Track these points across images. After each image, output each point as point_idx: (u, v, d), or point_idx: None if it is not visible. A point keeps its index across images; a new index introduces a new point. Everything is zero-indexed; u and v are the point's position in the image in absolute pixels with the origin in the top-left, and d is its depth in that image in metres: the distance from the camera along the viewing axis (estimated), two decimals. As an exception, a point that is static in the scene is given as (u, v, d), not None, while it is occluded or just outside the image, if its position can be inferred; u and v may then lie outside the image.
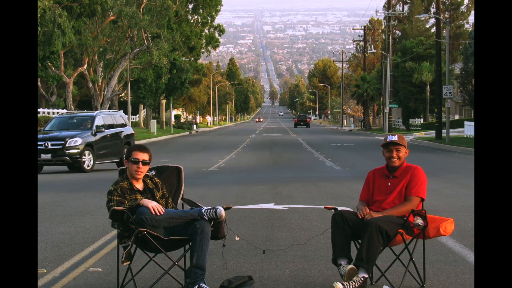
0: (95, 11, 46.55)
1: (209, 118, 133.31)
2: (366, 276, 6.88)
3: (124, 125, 27.95)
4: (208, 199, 15.23)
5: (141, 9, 52.38)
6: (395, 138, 7.37)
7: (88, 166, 25.12)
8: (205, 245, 6.82)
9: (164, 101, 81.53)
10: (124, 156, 7.35)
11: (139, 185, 7.29)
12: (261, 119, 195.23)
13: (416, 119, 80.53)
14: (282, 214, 13.00)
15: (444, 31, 55.10)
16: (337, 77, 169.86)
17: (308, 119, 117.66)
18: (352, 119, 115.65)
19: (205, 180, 20.82)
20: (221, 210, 6.98)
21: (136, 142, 36.11)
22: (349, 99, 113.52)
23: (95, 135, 25.70)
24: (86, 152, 25.08)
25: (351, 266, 6.87)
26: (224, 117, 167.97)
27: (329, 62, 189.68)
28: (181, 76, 69.84)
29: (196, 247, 6.81)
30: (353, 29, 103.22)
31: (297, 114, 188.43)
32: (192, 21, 79.25)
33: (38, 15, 39.59)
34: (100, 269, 8.28)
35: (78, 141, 24.98)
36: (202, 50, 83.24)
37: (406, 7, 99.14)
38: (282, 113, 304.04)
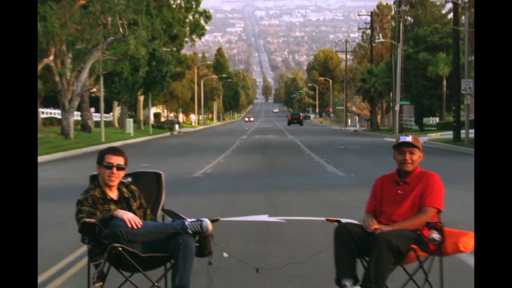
0: (63, -6, 46.51)
1: (193, 117, 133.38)
2: (375, 298, 6.87)
3: None
4: (193, 209, 15.22)
5: (115, -8, 52.32)
6: (409, 138, 7.35)
7: None
8: (189, 263, 6.80)
9: (142, 98, 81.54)
10: (96, 160, 7.32)
11: (113, 194, 7.26)
12: (252, 119, 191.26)
13: (431, 118, 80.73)
14: (278, 227, 13.00)
15: (463, 17, 55.23)
16: (340, 70, 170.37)
17: (301, 117, 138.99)
18: (357, 118, 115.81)
19: (189, 188, 20.83)
20: (207, 222, 6.96)
21: (110, 144, 35.86)
22: (354, 95, 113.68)
23: None
24: None
25: (357, 287, 6.86)
26: (210, 115, 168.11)
27: (331, 53, 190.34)
28: (162, 69, 69.85)
29: (178, 265, 6.79)
30: (358, 15, 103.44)
31: (292, 112, 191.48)
32: (174, 6, 79.33)
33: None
34: (68, 291, 8.25)
35: None
36: (186, 39, 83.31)
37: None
38: (276, 110, 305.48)
